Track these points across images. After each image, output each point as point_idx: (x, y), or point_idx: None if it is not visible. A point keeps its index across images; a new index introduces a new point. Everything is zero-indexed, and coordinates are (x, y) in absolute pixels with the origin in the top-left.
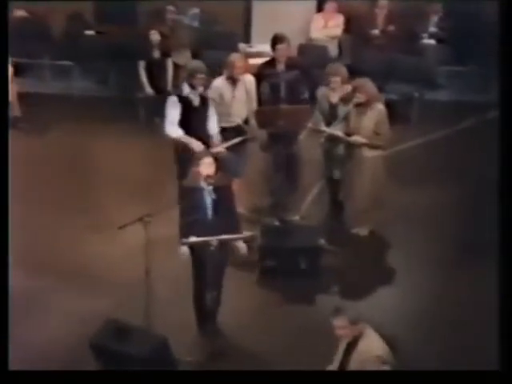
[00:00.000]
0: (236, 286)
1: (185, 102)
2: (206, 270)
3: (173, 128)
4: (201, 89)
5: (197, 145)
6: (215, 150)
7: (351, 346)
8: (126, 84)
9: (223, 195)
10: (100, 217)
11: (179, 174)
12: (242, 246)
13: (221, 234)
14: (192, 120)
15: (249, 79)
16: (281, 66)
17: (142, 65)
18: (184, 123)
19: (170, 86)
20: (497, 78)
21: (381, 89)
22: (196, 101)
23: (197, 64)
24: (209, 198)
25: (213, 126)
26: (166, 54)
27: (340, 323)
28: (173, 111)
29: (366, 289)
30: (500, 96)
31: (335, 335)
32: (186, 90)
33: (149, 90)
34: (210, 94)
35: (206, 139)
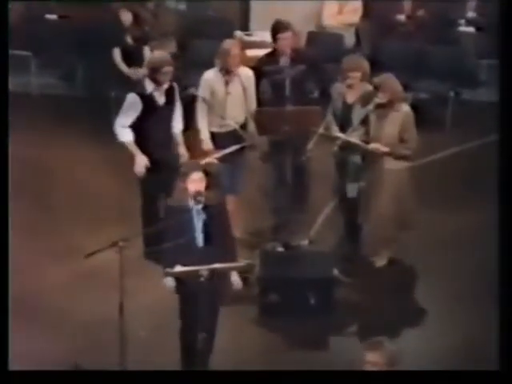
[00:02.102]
0: (231, 326)
1: (147, 101)
2: (196, 307)
3: (122, 130)
4: (166, 85)
5: (140, 159)
6: (206, 161)
7: None
8: (96, 80)
9: (215, 216)
10: (62, 240)
11: (143, 192)
12: (235, 279)
13: (212, 263)
14: (154, 122)
15: (246, 73)
16: (285, 59)
17: (117, 53)
18: (144, 126)
19: None
20: None
21: (407, 87)
22: (161, 99)
23: (160, 56)
24: (198, 220)
25: (178, 124)
26: (140, 41)
27: (375, 359)
28: (129, 112)
29: (388, 329)
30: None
31: None
32: (148, 86)
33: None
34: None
35: (170, 143)
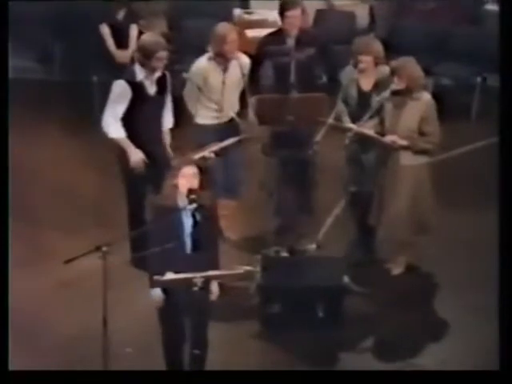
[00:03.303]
0: (228, 342)
1: (137, 89)
2: (187, 320)
3: (113, 125)
4: (159, 73)
5: (136, 154)
6: (199, 155)
7: None
8: (76, 63)
9: (207, 218)
10: (38, 245)
11: (130, 192)
12: (213, 289)
13: (206, 270)
14: (144, 114)
15: (244, 60)
16: (291, 41)
17: (105, 30)
18: (133, 118)
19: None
20: None
21: (428, 72)
22: (152, 89)
23: (154, 38)
24: (189, 221)
25: (167, 119)
26: (130, 17)
27: None
28: (118, 103)
29: (406, 344)
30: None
31: None
32: (139, 73)
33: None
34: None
35: (161, 139)
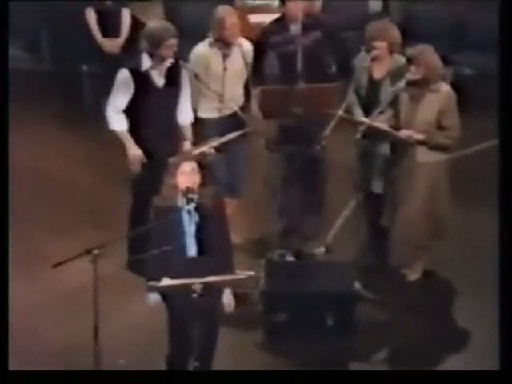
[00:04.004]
0: (231, 352)
1: (142, 80)
2: (187, 329)
3: (114, 116)
4: (168, 62)
5: (134, 150)
6: (199, 150)
7: None
8: (65, 51)
9: (211, 218)
10: (23, 248)
11: (134, 193)
12: (227, 299)
13: (207, 275)
14: (151, 107)
15: (247, 45)
16: (296, 27)
17: (90, 15)
18: (138, 111)
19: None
20: None
21: (447, 60)
22: (159, 80)
23: (162, 25)
24: (189, 223)
25: (186, 113)
26: (121, 2)
27: None
28: (120, 93)
29: (423, 355)
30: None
31: None
32: (145, 62)
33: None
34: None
35: (171, 135)
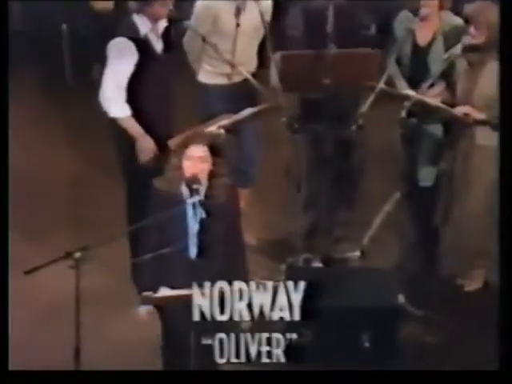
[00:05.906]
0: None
1: (142, 48)
2: (188, 349)
3: (115, 100)
4: (164, 23)
5: (147, 142)
6: (207, 129)
7: None
8: (40, 9)
9: (221, 213)
10: None
11: (130, 182)
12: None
13: (213, 281)
14: (154, 80)
15: (266, 1)
16: None
17: None
18: (140, 87)
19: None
20: None
21: None
22: (158, 45)
23: None
24: (193, 219)
25: None
26: None
27: None
28: (120, 67)
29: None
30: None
31: None
32: (142, 26)
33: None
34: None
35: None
